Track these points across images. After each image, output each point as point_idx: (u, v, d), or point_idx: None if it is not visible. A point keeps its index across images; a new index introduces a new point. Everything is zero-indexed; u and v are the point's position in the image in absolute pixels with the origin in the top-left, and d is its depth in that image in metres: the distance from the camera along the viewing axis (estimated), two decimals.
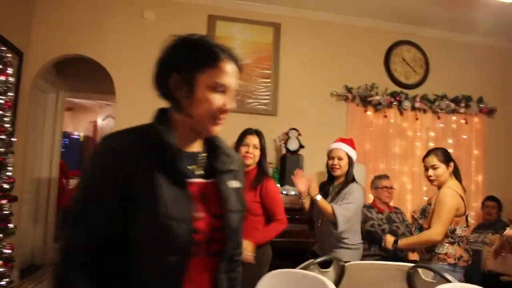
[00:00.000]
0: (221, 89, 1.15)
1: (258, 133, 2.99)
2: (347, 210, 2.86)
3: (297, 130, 4.66)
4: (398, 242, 2.96)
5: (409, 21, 5.18)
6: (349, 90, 5.03)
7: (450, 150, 5.18)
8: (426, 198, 5.12)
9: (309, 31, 5.06)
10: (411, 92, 5.22)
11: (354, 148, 3.14)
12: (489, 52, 5.48)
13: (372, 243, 3.62)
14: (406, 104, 5.12)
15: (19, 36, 4.23)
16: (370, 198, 4.29)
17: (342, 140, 3.16)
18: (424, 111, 5.23)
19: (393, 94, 5.12)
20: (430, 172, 3.00)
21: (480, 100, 5.33)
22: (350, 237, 2.96)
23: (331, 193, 3.09)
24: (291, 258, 3.06)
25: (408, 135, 5.18)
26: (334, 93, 5.04)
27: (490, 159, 5.32)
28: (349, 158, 3.07)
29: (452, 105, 5.24)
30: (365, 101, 5.04)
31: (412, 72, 5.34)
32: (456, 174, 3.02)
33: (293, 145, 4.62)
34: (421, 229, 3.00)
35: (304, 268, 2.35)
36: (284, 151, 4.65)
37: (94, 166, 1.12)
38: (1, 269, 3.00)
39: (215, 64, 1.14)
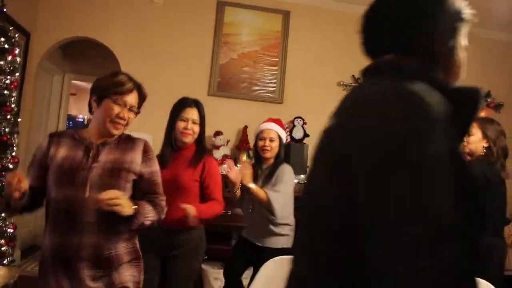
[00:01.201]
0: None
1: (198, 105, 2.55)
2: (281, 196, 2.74)
3: (302, 119, 4.64)
4: None
5: None
6: (356, 80, 4.99)
7: None
8: None
9: (318, 20, 5.00)
10: None
11: (284, 129, 3.05)
12: (496, 46, 5.41)
13: None
14: None
15: (27, 17, 4.21)
16: None
17: (273, 121, 3.03)
18: None
19: None
20: None
21: (487, 95, 5.28)
22: (285, 222, 2.86)
23: (261, 176, 2.96)
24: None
25: None
26: (342, 83, 5.00)
27: None
28: (280, 139, 2.97)
29: None
30: None
31: None
32: None
33: (298, 133, 4.61)
34: None
35: None
36: (288, 139, 4.63)
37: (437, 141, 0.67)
38: (3, 248, 3.02)
39: (467, 19, 0.91)
